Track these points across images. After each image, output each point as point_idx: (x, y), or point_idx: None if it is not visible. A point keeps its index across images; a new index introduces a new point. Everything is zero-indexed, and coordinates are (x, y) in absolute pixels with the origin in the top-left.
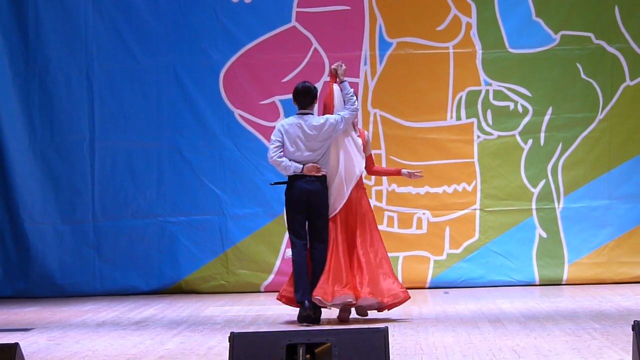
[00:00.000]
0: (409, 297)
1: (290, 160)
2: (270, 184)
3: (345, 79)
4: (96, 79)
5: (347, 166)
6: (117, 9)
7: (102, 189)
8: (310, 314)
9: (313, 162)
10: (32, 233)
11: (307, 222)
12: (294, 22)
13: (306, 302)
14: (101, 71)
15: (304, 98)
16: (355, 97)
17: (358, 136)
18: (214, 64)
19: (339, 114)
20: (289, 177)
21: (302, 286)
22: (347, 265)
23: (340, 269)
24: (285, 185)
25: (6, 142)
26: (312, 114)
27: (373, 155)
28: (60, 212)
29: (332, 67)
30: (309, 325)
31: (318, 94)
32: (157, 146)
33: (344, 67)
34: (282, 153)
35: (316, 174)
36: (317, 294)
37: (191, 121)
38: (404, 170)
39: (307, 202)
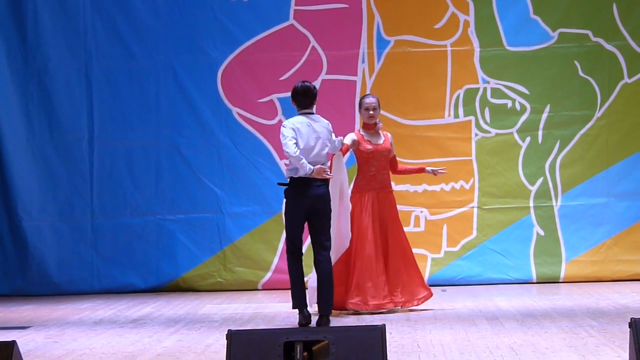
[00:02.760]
0: (432, 295)
1: None
2: (278, 184)
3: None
4: (95, 77)
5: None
6: (115, 7)
7: (100, 187)
8: (309, 320)
9: (322, 164)
10: (30, 231)
11: (309, 227)
12: (291, 20)
13: (305, 310)
14: (100, 70)
15: (304, 98)
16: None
17: (383, 141)
18: (212, 63)
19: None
20: (295, 181)
21: (299, 295)
22: (382, 270)
23: (374, 275)
24: (285, 187)
25: (5, 141)
26: (315, 113)
27: (396, 156)
28: (58, 210)
29: None
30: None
31: (317, 93)
32: (155, 144)
33: None
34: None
35: (324, 177)
36: (354, 305)
37: (189, 119)
38: (427, 168)
39: (310, 209)
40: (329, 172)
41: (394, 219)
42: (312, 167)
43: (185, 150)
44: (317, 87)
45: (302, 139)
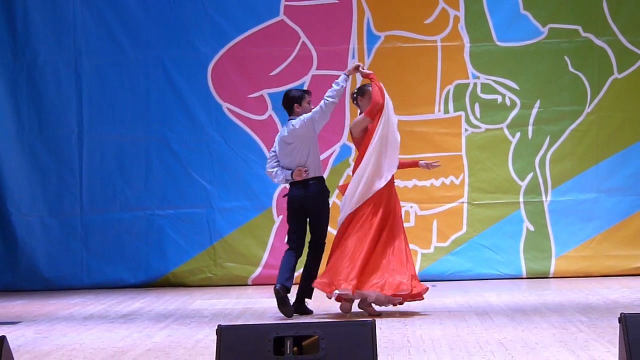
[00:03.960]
0: (418, 295)
1: (283, 167)
2: (283, 197)
3: (342, 73)
4: (85, 72)
5: (375, 167)
6: (105, 2)
7: (90, 182)
8: (281, 294)
9: (299, 166)
10: (19, 226)
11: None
12: (282, 16)
13: (277, 285)
14: (90, 64)
15: (284, 106)
16: (336, 91)
17: None
18: (202, 58)
19: (318, 106)
20: (289, 184)
21: (282, 271)
22: (366, 259)
23: (360, 260)
24: None
25: None
26: (297, 117)
27: None
28: (48, 205)
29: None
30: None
31: (299, 95)
32: (145, 139)
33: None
34: (275, 163)
35: (302, 178)
36: (320, 285)
37: (179, 114)
38: (421, 162)
39: (301, 209)
40: (308, 172)
41: (390, 212)
42: (287, 172)
43: (175, 145)
44: (308, 82)
45: (279, 147)
